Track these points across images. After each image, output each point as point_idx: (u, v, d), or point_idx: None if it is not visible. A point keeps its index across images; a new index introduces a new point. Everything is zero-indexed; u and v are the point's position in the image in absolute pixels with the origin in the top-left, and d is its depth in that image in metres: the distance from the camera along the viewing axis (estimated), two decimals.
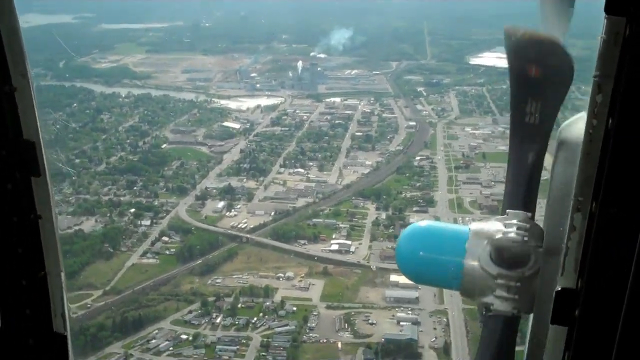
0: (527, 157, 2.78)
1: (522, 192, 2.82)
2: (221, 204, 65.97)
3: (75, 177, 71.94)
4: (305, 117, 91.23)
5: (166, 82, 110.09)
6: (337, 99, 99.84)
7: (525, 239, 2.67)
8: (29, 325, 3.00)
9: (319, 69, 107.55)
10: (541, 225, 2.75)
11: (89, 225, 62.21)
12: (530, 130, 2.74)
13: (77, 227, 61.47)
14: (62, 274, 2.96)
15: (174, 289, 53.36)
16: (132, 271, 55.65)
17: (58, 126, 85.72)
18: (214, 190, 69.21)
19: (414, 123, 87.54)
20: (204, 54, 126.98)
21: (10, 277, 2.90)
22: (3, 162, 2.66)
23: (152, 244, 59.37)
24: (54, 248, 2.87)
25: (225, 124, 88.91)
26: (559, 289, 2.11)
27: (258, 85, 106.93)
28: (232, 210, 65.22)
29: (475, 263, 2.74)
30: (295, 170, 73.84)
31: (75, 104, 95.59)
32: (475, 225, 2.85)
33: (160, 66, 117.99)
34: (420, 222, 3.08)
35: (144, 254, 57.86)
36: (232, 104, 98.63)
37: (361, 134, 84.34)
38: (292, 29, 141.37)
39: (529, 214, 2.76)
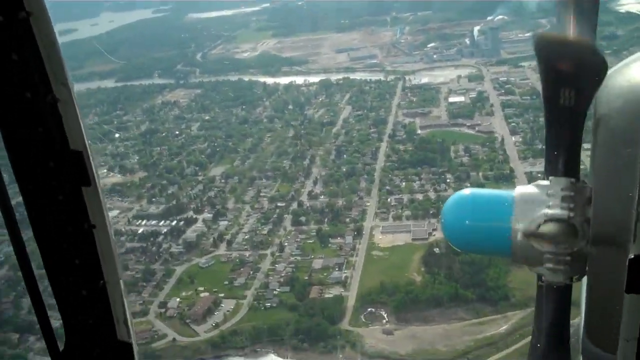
0: (567, 117, 2.66)
1: (564, 155, 2.70)
2: None
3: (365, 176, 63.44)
4: (529, 84, 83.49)
5: (328, 65, 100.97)
6: (533, 63, 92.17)
7: (572, 214, 2.62)
8: (93, 335, 2.98)
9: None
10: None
11: None
12: (565, 111, 2.64)
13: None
14: (121, 282, 2.92)
15: None
16: None
17: (281, 126, 76.87)
18: (539, 176, 61.26)
19: None
20: (335, 32, 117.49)
21: (70, 288, 2.87)
22: (52, 173, 2.64)
23: None
24: (111, 256, 2.84)
25: (451, 99, 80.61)
26: (632, 256, 2.04)
27: (435, 57, 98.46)
28: None
29: (523, 231, 2.70)
30: None
31: (264, 99, 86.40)
32: (519, 190, 2.81)
33: (303, 49, 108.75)
34: (464, 190, 3.00)
35: None
36: (424, 79, 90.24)
37: None
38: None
39: (573, 180, 2.68)
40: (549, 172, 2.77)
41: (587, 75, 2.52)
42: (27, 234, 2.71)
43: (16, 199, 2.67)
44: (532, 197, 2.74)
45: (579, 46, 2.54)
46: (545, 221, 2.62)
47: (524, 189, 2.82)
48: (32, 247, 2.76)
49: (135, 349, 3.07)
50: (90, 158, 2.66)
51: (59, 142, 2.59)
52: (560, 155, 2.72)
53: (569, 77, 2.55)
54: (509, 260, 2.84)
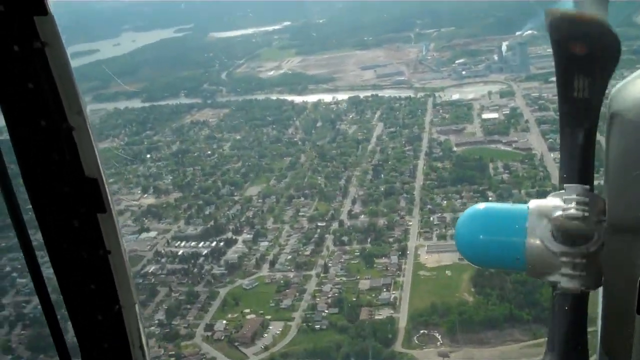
0: (580, 129, 2.68)
1: (578, 165, 2.74)
2: None
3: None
4: None
5: (355, 82, 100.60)
6: None
7: (586, 214, 2.64)
8: (109, 359, 3.01)
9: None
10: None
11: None
12: (580, 104, 2.65)
13: None
14: (137, 306, 2.96)
15: None
16: None
17: (310, 147, 76.12)
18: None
19: None
20: (359, 49, 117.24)
21: (85, 313, 2.92)
22: (67, 200, 2.70)
23: None
24: (126, 281, 2.88)
25: (485, 116, 79.66)
26: None
27: (464, 73, 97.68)
28: None
29: (538, 242, 2.72)
30: None
31: (294, 117, 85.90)
32: (534, 204, 2.85)
33: (328, 67, 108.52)
34: (478, 205, 3.04)
35: None
36: (454, 95, 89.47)
37: None
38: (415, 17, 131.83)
39: (588, 187, 2.71)
40: (564, 181, 2.78)
41: (601, 55, 2.48)
42: (42, 258, 2.73)
43: (32, 225, 2.68)
44: (547, 210, 2.75)
45: (591, 24, 2.48)
46: (561, 218, 2.62)
47: (538, 203, 2.84)
48: (48, 272, 2.78)
49: None
50: (106, 185, 2.68)
51: (74, 170, 2.62)
52: (575, 163, 2.73)
53: (583, 59, 2.49)
54: (523, 274, 2.84)
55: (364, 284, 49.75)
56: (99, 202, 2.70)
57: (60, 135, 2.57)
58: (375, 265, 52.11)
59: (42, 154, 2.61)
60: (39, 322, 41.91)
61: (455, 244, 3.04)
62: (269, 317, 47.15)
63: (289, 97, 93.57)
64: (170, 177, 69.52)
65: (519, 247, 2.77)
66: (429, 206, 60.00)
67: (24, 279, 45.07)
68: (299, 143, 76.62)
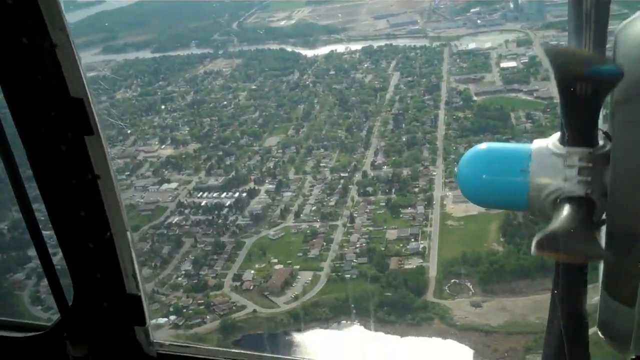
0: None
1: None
2: None
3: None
4: None
5: (367, 32, 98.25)
6: None
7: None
8: (101, 289, 2.91)
9: None
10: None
11: None
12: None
13: None
14: (129, 233, 2.81)
15: None
16: None
17: (329, 95, 74.82)
18: None
19: None
20: None
21: (76, 240, 2.80)
22: (53, 122, 2.53)
23: None
24: (117, 207, 2.72)
25: (503, 64, 78.18)
26: None
27: (479, 22, 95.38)
28: None
29: (542, 180, 2.68)
30: None
31: (308, 66, 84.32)
32: (537, 143, 2.86)
33: (340, 17, 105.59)
34: (480, 145, 3.03)
35: None
36: (471, 44, 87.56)
37: None
38: None
39: None
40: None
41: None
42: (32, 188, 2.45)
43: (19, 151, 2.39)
44: (551, 148, 2.73)
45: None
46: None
47: (542, 142, 2.84)
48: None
49: (145, 301, 2.81)
50: (92, 105, 2.47)
51: (59, 90, 2.41)
52: None
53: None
54: (525, 212, 2.80)
55: (392, 234, 49.47)
56: (86, 123, 2.46)
57: (42, 53, 2.33)
58: (401, 216, 51.72)
59: (25, 74, 2.33)
60: (66, 274, 41.95)
61: (458, 184, 2.98)
62: (297, 267, 47.00)
63: (302, 47, 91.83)
64: (187, 128, 68.50)
65: (522, 185, 2.73)
66: (452, 156, 59.18)
67: (49, 230, 44.55)
68: (316, 91, 75.32)
